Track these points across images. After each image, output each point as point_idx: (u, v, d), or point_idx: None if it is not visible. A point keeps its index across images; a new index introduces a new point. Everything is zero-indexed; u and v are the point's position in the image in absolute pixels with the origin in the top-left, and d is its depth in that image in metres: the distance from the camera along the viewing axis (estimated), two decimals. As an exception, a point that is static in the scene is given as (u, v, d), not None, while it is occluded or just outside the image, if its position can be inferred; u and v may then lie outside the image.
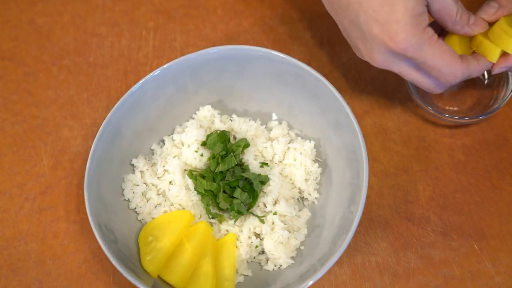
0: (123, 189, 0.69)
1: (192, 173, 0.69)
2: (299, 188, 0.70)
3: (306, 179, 0.69)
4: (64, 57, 0.81)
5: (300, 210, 0.69)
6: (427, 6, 0.60)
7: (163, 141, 0.73)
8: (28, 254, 0.70)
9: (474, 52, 0.66)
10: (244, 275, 0.66)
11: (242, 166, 0.69)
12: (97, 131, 0.67)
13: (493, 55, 0.64)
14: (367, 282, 0.67)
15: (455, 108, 0.76)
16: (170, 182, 0.69)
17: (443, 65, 0.61)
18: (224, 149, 0.69)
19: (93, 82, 0.79)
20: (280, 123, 0.73)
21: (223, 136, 0.69)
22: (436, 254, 0.68)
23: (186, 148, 0.70)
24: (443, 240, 0.69)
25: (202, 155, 0.70)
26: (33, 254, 0.70)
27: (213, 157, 0.69)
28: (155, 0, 0.85)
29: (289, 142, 0.71)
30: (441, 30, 0.67)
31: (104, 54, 0.81)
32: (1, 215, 0.72)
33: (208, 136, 0.70)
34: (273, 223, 0.66)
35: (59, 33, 0.83)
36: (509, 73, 0.73)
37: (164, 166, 0.70)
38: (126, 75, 0.80)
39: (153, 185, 0.70)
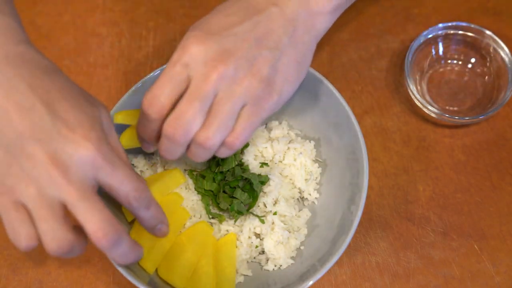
0: (123, 189, 0.69)
1: (192, 173, 0.69)
2: (299, 188, 0.70)
3: (306, 179, 0.69)
4: (64, 57, 0.81)
5: (300, 210, 0.69)
6: None
7: (163, 141, 0.73)
8: (28, 254, 0.69)
9: None
10: (244, 275, 0.66)
11: (242, 166, 0.69)
12: (97, 131, 0.67)
13: None
14: (367, 282, 0.67)
15: (455, 108, 0.75)
16: (170, 182, 0.69)
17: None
18: (225, 149, 0.69)
19: (93, 82, 0.79)
20: (280, 123, 0.73)
21: (223, 136, 0.69)
22: (436, 254, 0.68)
23: (186, 148, 0.70)
24: (443, 240, 0.69)
25: (202, 155, 0.70)
26: (33, 254, 0.69)
27: (213, 157, 0.69)
28: (155, 0, 0.85)
29: (289, 142, 0.71)
30: None
31: (104, 54, 0.81)
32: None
33: (208, 136, 0.70)
34: (273, 223, 0.66)
35: (59, 33, 0.83)
36: (509, 73, 0.73)
37: (164, 166, 0.70)
38: (126, 75, 0.80)
39: (153, 185, 0.70)
